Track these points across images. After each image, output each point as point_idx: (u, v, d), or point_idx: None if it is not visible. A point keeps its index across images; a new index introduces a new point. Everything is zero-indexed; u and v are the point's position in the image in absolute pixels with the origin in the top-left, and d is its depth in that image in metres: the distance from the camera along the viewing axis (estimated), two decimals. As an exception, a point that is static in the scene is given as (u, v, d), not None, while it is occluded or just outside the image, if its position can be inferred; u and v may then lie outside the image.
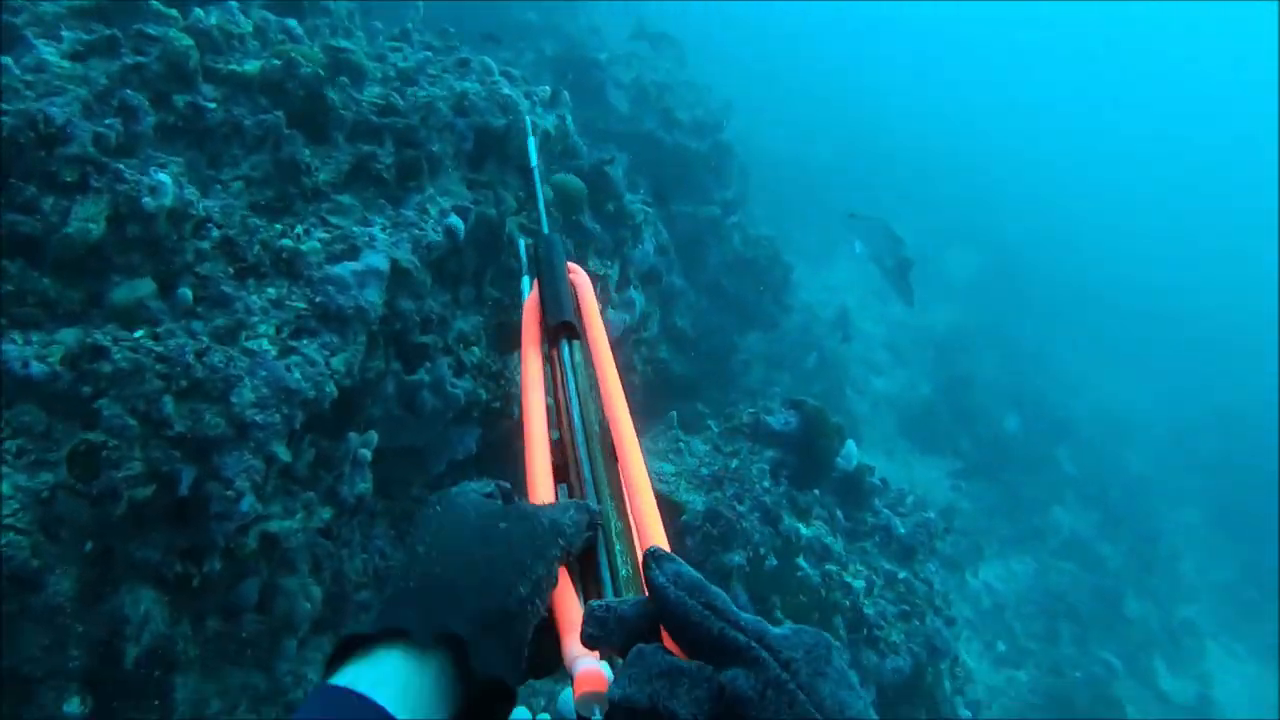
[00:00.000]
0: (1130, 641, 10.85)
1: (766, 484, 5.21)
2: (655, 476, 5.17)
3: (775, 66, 20.79)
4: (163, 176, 2.84)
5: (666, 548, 0.90)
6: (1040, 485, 12.74)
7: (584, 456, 1.16)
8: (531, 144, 2.41)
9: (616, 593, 0.95)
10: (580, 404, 1.28)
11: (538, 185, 2.21)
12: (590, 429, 1.22)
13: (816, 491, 5.50)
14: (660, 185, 8.21)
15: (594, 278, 5.35)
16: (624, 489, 1.11)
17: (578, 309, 1.55)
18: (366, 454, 3.86)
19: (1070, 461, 13.72)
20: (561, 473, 1.19)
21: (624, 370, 4.71)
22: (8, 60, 3.14)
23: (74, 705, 3.10)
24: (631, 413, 1.24)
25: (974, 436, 12.82)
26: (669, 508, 5.10)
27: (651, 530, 0.99)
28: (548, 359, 1.47)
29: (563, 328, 1.46)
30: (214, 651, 3.68)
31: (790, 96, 20.00)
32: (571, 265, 1.76)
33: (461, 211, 3.96)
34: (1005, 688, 9.44)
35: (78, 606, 2.98)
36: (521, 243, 2.00)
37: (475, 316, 4.63)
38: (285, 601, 3.86)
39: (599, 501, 1.07)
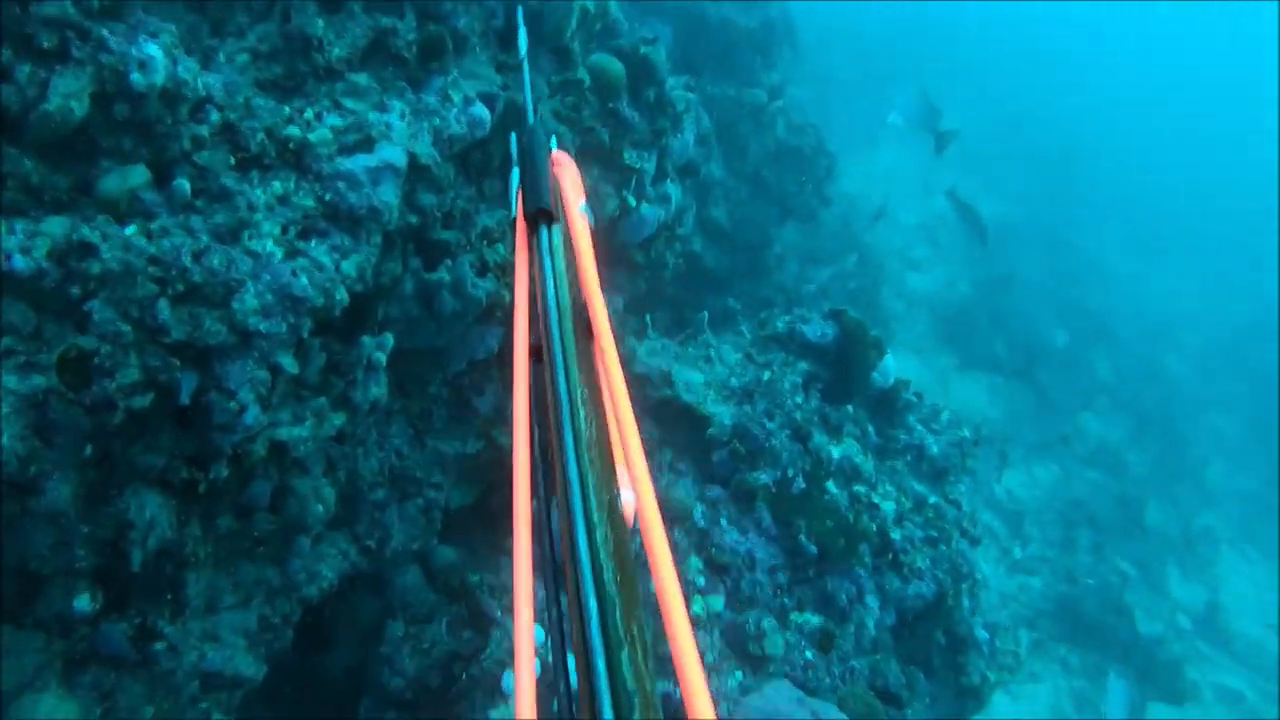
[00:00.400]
0: (1147, 549, 10.82)
1: (799, 399, 4.99)
2: (683, 386, 4.97)
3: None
4: (153, 49, 2.51)
5: (630, 414, 1.07)
6: (1073, 390, 12.49)
7: (555, 333, 1.25)
8: (521, 33, 2.46)
9: (578, 451, 1.02)
10: (554, 284, 1.35)
11: (525, 79, 2.30)
12: (563, 308, 1.30)
13: (849, 408, 5.28)
14: (697, 60, 7.65)
15: (628, 171, 5.00)
16: (595, 366, 1.23)
17: (560, 197, 1.64)
18: (381, 358, 3.66)
19: (1106, 366, 13.41)
20: (538, 352, 1.29)
21: (655, 266, 4.37)
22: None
23: (84, 601, 3.05)
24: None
25: (1010, 338, 12.49)
26: (694, 421, 4.92)
27: (620, 401, 1.11)
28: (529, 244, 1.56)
29: (540, 214, 1.54)
30: (226, 548, 3.61)
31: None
32: (558, 156, 1.82)
33: (488, 99, 3.59)
34: (1017, 594, 9.49)
35: (82, 507, 2.86)
36: (512, 136, 1.98)
37: (501, 211, 4.33)
38: (297, 503, 3.76)
39: (566, 374, 1.15)
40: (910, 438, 5.50)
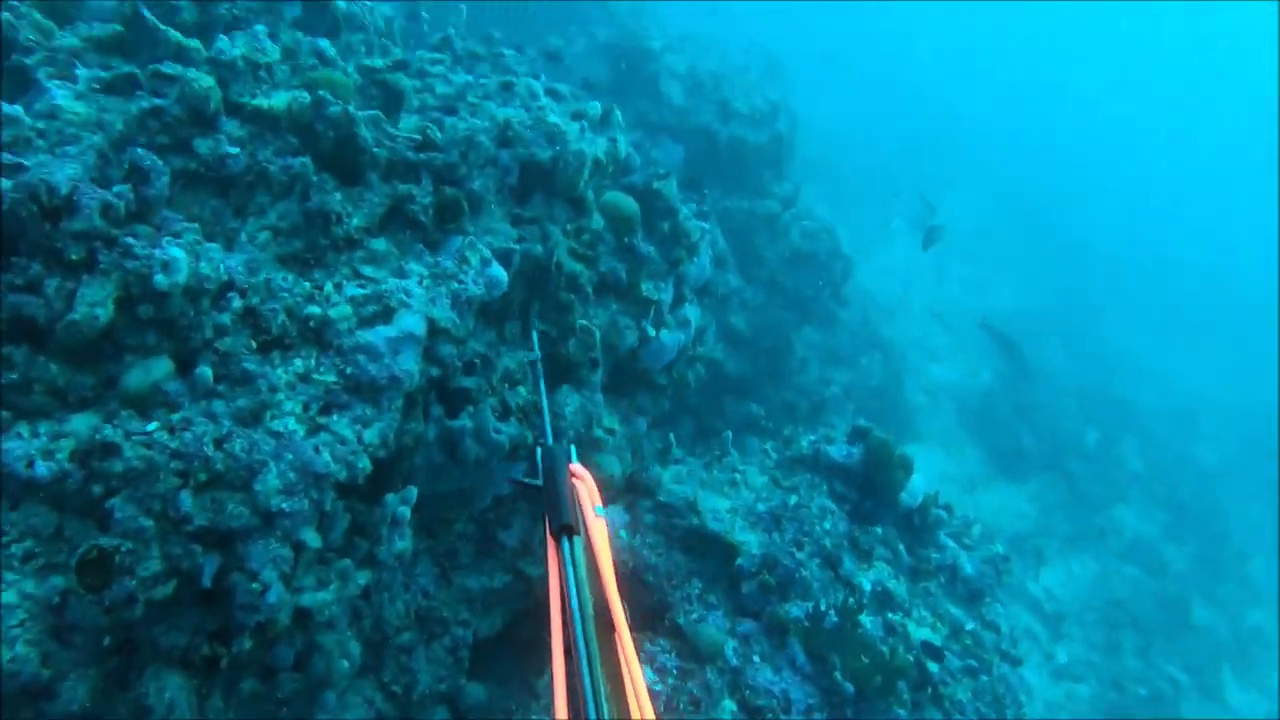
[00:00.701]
0: (1197, 652, 10.34)
1: (827, 525, 4.89)
2: (710, 515, 4.89)
3: (842, 44, 19.89)
4: (175, 251, 2.58)
5: (648, 697, 1.29)
6: (1105, 482, 12.17)
7: (579, 635, 1.45)
8: (536, 349, 3.22)
9: None
10: (578, 591, 1.58)
11: (544, 401, 2.75)
12: (585, 611, 1.51)
13: (879, 529, 5.16)
14: (709, 176, 7.80)
15: (646, 303, 5.04)
16: (617, 656, 1.43)
17: (579, 508, 1.88)
18: (405, 512, 3.63)
19: (1136, 456, 13.09)
20: (568, 649, 1.46)
21: (678, 385, 4.42)
22: (16, 110, 2.89)
23: (97, 793, 2.95)
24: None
25: (1035, 429, 12.28)
26: (722, 549, 4.82)
27: (639, 687, 1.31)
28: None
29: (564, 529, 1.78)
30: (251, 710, 3.53)
31: (856, 74, 19.18)
32: (575, 468, 2.08)
33: (504, 255, 3.65)
34: (1064, 702, 9.07)
35: (99, 698, 2.81)
36: (539, 451, 2.26)
37: (522, 352, 4.35)
38: (323, 660, 3.68)
39: (590, 671, 1.35)
40: (943, 557, 5.35)
